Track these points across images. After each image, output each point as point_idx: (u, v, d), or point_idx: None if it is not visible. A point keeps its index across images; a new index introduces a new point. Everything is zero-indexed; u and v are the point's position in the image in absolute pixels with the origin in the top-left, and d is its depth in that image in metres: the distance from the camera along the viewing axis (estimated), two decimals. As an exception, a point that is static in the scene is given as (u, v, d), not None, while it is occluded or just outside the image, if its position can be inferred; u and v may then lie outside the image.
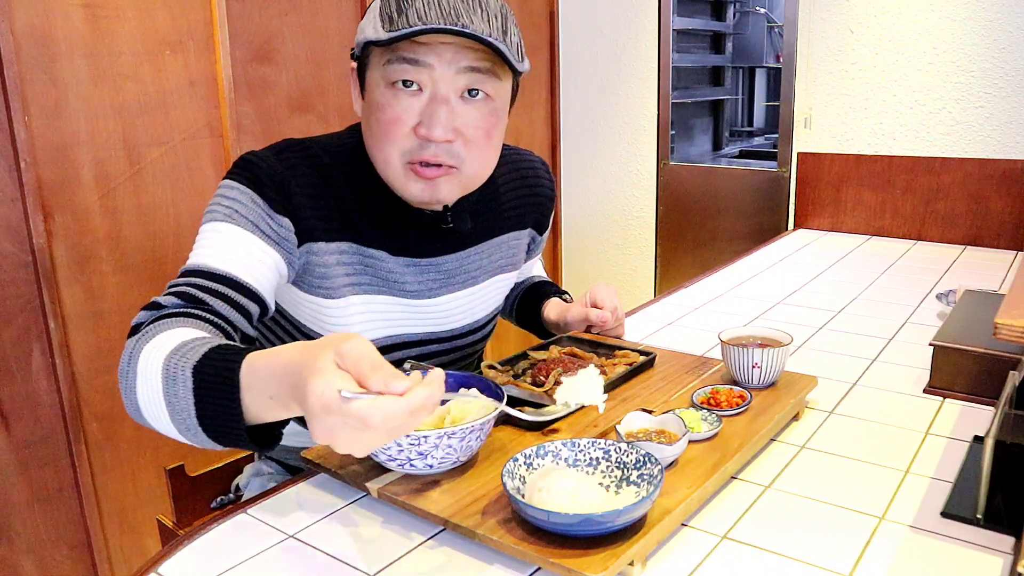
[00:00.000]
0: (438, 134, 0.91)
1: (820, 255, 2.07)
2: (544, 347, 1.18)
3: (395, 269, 1.03)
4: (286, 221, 0.93)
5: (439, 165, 0.94)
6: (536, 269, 1.39)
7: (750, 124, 4.24)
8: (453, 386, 0.94)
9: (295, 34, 2.03)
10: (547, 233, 1.29)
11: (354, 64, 0.99)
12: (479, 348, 1.21)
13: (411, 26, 0.86)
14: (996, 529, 0.80)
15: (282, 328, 1.07)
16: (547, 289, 1.33)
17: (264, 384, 0.68)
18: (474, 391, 0.92)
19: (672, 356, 1.20)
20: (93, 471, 1.75)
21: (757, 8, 3.86)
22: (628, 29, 2.80)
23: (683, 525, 0.82)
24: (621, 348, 1.18)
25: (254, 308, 0.91)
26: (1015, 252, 2.05)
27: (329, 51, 2.11)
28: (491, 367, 1.09)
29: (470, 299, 1.12)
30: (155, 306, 0.85)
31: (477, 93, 0.93)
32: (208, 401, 0.72)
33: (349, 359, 0.61)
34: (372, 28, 0.90)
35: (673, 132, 2.89)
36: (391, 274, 1.03)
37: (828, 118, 2.38)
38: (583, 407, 0.98)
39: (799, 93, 2.43)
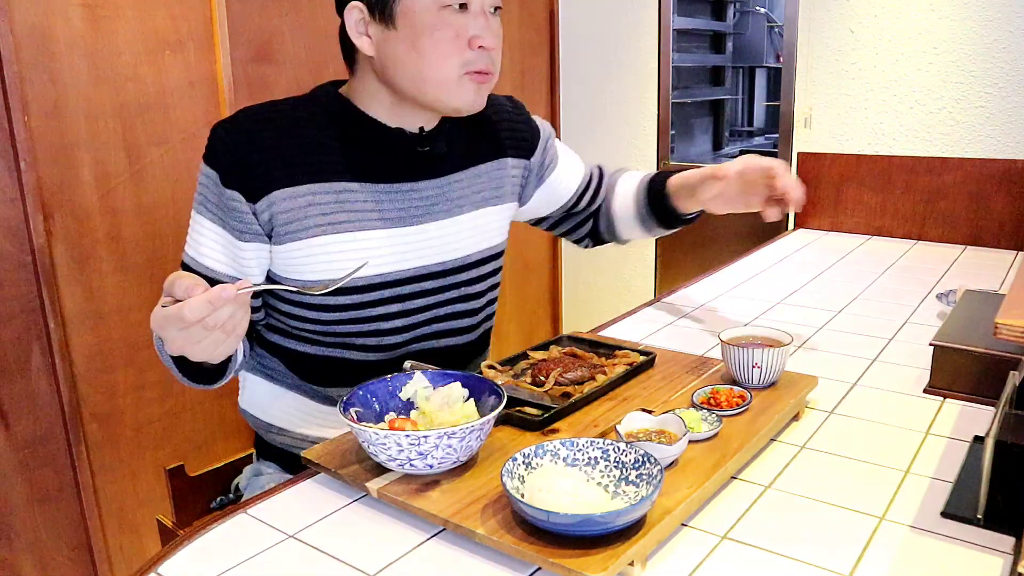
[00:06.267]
0: (491, 43, 1.04)
1: (820, 255, 2.07)
2: (544, 347, 1.18)
3: (372, 198, 1.06)
4: (235, 194, 1.01)
5: (487, 73, 1.06)
6: (577, 165, 1.38)
7: (750, 124, 4.24)
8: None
9: (295, 34, 2.03)
10: (547, 153, 1.31)
11: (361, 6, 1.05)
12: (482, 293, 1.20)
13: None
14: (996, 529, 0.80)
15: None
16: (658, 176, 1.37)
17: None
18: (461, 385, 0.92)
19: (672, 356, 1.20)
20: (93, 471, 1.75)
21: (757, 8, 3.86)
22: (628, 29, 2.80)
23: (683, 525, 0.82)
24: (621, 348, 1.18)
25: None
26: (1015, 252, 2.05)
27: (329, 51, 2.11)
28: (491, 367, 1.09)
29: (456, 228, 1.14)
30: None
31: (497, 9, 1.07)
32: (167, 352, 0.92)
33: (170, 294, 0.81)
34: None
35: (673, 132, 2.89)
36: (367, 203, 1.06)
37: (828, 118, 2.38)
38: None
39: (799, 93, 2.43)
